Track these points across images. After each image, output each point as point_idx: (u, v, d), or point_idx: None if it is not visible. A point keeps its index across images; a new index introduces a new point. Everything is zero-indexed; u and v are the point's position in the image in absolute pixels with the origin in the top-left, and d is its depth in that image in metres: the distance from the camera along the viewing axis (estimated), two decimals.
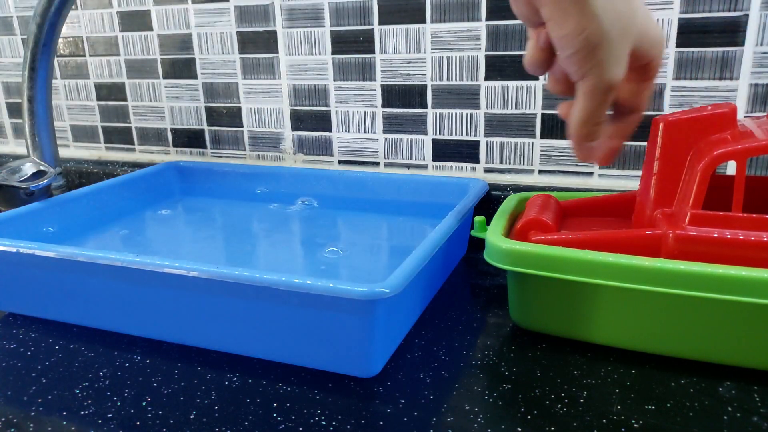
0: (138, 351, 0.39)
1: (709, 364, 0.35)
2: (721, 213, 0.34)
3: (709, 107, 0.37)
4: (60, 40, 0.73)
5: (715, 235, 0.34)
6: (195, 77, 0.68)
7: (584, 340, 0.38)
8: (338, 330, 0.33)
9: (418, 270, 0.35)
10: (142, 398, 0.34)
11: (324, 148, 0.64)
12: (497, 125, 0.56)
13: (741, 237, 0.34)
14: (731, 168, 0.50)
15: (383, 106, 0.60)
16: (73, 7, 0.71)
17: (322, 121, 0.63)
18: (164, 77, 0.69)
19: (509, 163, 0.57)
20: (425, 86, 0.58)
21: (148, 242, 0.53)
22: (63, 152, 0.78)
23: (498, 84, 0.55)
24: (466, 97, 0.56)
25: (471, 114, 0.57)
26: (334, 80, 0.61)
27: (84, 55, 0.73)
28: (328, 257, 0.48)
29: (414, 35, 0.57)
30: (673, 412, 0.31)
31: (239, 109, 0.67)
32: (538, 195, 0.45)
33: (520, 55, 0.54)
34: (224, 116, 0.68)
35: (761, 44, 0.47)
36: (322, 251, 0.49)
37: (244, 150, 0.68)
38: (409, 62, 0.58)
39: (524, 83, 0.54)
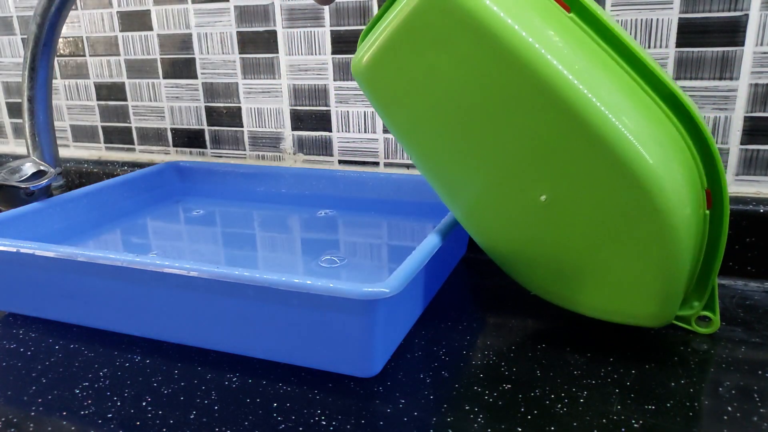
0: (138, 351, 0.39)
1: (708, 363, 0.36)
2: None
3: None
4: (60, 40, 0.73)
5: None
6: (195, 77, 0.68)
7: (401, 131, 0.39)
8: (338, 330, 0.33)
9: (418, 270, 0.35)
10: (142, 398, 0.34)
11: (324, 148, 0.64)
12: None
13: None
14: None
15: None
16: (73, 7, 0.71)
17: (322, 121, 0.63)
18: (164, 77, 0.69)
19: None
20: None
21: (148, 242, 0.53)
22: (63, 152, 0.78)
23: None
24: None
25: None
26: (334, 80, 0.61)
27: (84, 55, 0.73)
28: (328, 257, 0.48)
29: None
30: (673, 413, 0.31)
31: (239, 109, 0.67)
32: None
33: None
34: (224, 116, 0.68)
35: (761, 44, 0.47)
36: (323, 251, 0.49)
37: (244, 150, 0.68)
38: None
39: None
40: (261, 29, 0.63)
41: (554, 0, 0.35)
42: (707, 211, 0.34)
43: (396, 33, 0.35)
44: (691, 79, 0.49)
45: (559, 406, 0.32)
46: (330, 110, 0.62)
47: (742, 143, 0.49)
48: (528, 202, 0.35)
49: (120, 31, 0.70)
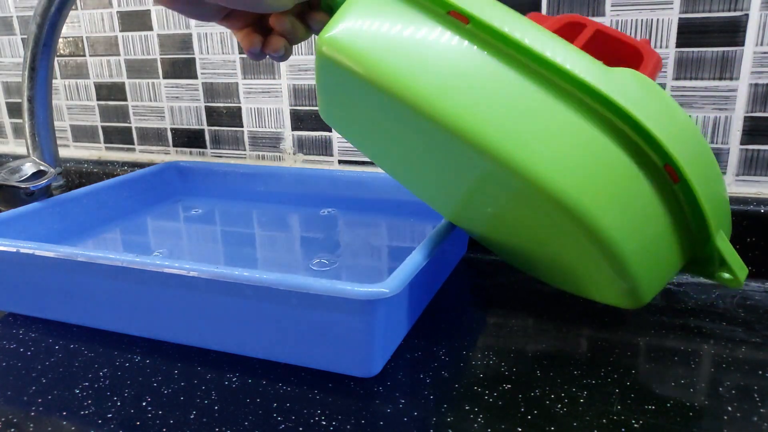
0: (138, 351, 0.39)
1: (708, 363, 0.36)
2: None
3: None
4: (60, 40, 0.73)
5: None
6: (195, 77, 0.68)
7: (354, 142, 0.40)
8: (338, 330, 0.33)
9: (418, 270, 0.35)
10: (142, 398, 0.34)
11: (324, 148, 0.64)
12: None
13: None
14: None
15: None
16: (73, 7, 0.71)
17: (322, 121, 0.63)
18: (164, 77, 0.69)
19: None
20: None
21: (148, 242, 0.53)
22: (63, 152, 0.78)
23: None
24: None
25: None
26: None
27: (84, 55, 0.73)
28: (328, 257, 0.48)
29: None
30: (673, 412, 0.31)
31: (239, 109, 0.67)
32: None
33: None
34: (224, 116, 0.68)
35: (761, 44, 0.47)
36: (323, 251, 0.49)
37: (244, 150, 0.68)
38: None
39: None
40: None
41: (450, 15, 0.33)
42: (675, 186, 0.33)
43: (317, 85, 0.38)
44: (691, 79, 0.49)
45: (559, 406, 0.32)
46: None
47: (742, 143, 0.49)
48: (483, 215, 0.38)
49: (120, 31, 0.70)
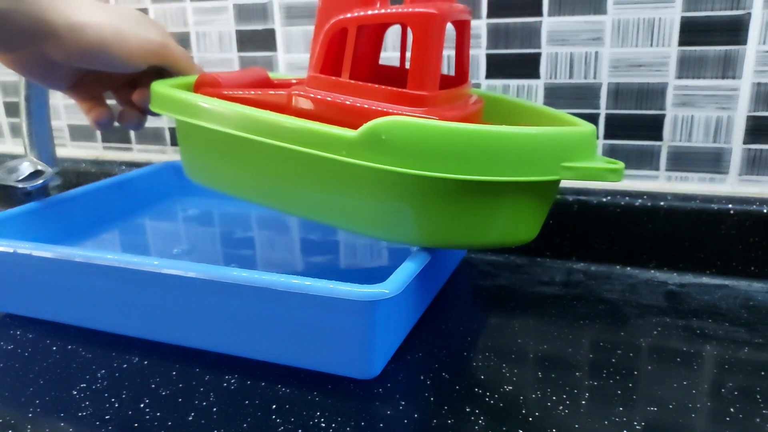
0: (136, 352, 0.39)
1: (710, 364, 0.35)
2: (334, 78, 0.36)
3: None
4: None
5: (319, 97, 0.36)
6: None
7: (225, 192, 0.42)
8: (338, 331, 0.33)
9: (419, 270, 0.35)
10: (140, 400, 0.34)
11: None
12: None
13: (339, 101, 0.36)
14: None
15: None
16: None
17: None
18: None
19: None
20: None
21: (146, 242, 0.53)
22: (60, 152, 0.77)
23: (499, 83, 0.55)
24: None
25: None
26: None
27: None
28: (328, 257, 0.48)
29: None
30: (675, 414, 0.31)
31: None
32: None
33: (522, 54, 0.53)
34: None
35: (764, 43, 0.47)
36: (322, 251, 0.49)
37: None
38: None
39: (525, 82, 0.54)
40: (259, 28, 0.62)
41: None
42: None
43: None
44: (693, 78, 0.49)
45: (561, 408, 0.32)
46: None
47: (745, 143, 0.49)
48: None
49: None
